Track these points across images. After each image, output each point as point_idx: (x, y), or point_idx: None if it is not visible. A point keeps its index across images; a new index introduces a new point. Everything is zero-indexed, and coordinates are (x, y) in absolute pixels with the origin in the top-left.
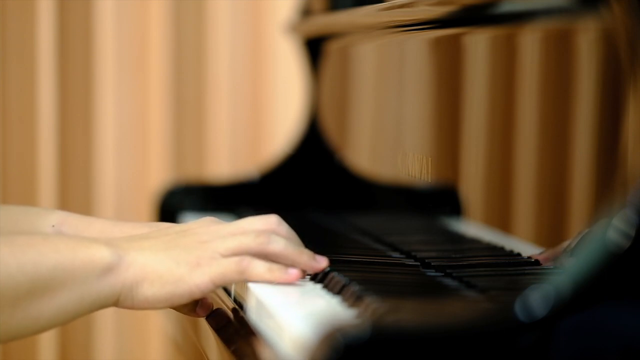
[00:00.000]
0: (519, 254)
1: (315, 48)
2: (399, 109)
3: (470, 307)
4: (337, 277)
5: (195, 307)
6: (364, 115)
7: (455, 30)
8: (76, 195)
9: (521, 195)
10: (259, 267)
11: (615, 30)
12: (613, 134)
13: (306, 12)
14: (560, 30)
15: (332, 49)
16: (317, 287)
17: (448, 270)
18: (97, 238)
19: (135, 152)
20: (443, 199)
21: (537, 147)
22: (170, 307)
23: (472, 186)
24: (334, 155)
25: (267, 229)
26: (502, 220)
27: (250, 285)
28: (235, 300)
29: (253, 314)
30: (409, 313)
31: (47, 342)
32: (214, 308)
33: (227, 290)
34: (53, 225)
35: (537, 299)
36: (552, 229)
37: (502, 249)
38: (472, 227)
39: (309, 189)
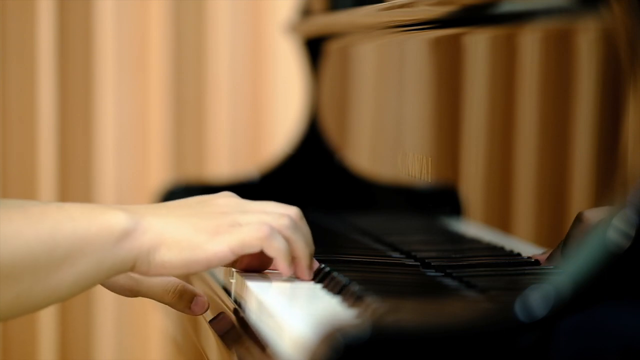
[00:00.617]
0: (519, 254)
1: (315, 48)
2: (399, 109)
3: (470, 307)
4: (337, 277)
5: (190, 303)
6: (364, 115)
7: (455, 30)
8: (76, 195)
9: (521, 195)
10: (280, 242)
11: (615, 30)
12: (613, 134)
13: (306, 12)
14: (560, 30)
15: (332, 49)
16: (317, 287)
17: (448, 270)
18: (113, 205)
19: (135, 152)
20: (443, 199)
21: (537, 147)
22: (184, 275)
23: (472, 186)
24: (334, 155)
25: (288, 215)
26: (502, 220)
27: (250, 285)
28: (235, 301)
29: (253, 314)
30: (409, 313)
31: (47, 342)
32: (218, 313)
33: (227, 290)
34: None
35: (537, 299)
36: (552, 229)
37: (502, 249)
38: (472, 227)
39: (309, 189)
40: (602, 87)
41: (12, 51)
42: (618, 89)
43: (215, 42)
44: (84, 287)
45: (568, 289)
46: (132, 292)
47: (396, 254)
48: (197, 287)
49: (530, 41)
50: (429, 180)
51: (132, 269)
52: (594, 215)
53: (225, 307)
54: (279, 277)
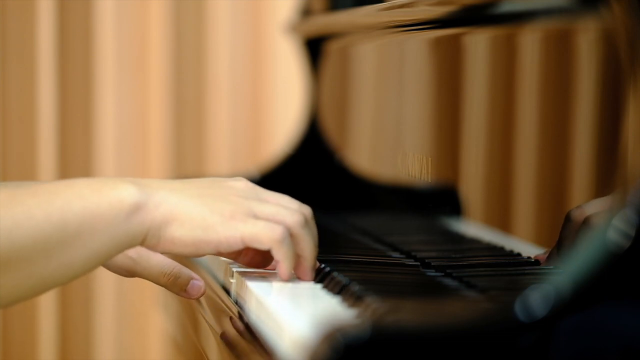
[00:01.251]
0: (519, 254)
1: (315, 48)
2: (399, 109)
3: (470, 307)
4: (337, 277)
5: (186, 287)
6: (364, 115)
7: (455, 30)
8: None
9: (521, 195)
10: (289, 248)
11: (615, 30)
12: (613, 134)
13: (306, 12)
14: (560, 30)
15: (332, 49)
16: (317, 287)
17: (448, 270)
18: (124, 178)
19: (135, 152)
20: (443, 199)
21: (537, 147)
22: (192, 256)
23: (472, 186)
24: (334, 155)
25: (302, 212)
26: (502, 220)
27: (250, 285)
28: (235, 301)
29: (253, 314)
30: (409, 313)
31: (47, 342)
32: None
33: (227, 290)
34: None
35: (537, 299)
36: (552, 229)
37: (502, 249)
38: (472, 227)
39: (309, 189)
40: (602, 87)
41: (12, 51)
42: (618, 89)
43: (215, 42)
44: (97, 263)
45: (568, 289)
46: (129, 272)
47: (396, 254)
48: None
49: (530, 41)
50: (429, 180)
51: (143, 242)
52: (583, 211)
53: (225, 307)
54: (279, 277)
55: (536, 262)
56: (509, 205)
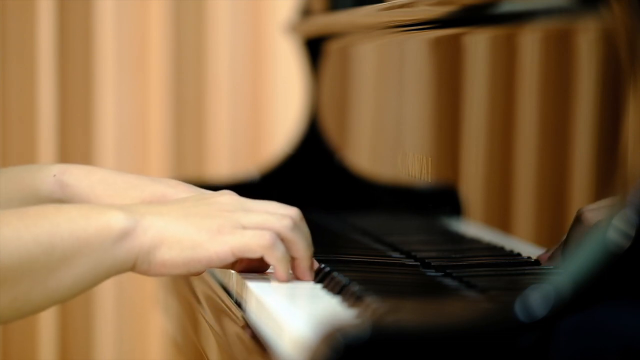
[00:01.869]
0: (519, 254)
1: (315, 48)
2: (399, 109)
3: (470, 307)
4: (337, 277)
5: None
6: (364, 115)
7: (455, 30)
8: None
9: (521, 195)
10: (281, 251)
11: (615, 30)
12: (613, 134)
13: (306, 12)
14: (560, 30)
15: (332, 49)
16: (317, 287)
17: (448, 270)
18: (112, 204)
19: (135, 152)
20: (443, 199)
21: (537, 147)
22: (186, 274)
23: (472, 186)
24: (334, 155)
25: (290, 216)
26: (502, 220)
27: (250, 285)
28: (235, 301)
29: (253, 314)
30: (409, 313)
31: (47, 342)
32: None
33: (227, 290)
34: (54, 175)
35: (537, 299)
36: (552, 229)
37: (502, 249)
38: (472, 227)
39: (309, 189)
40: (602, 87)
41: (12, 51)
42: (618, 89)
43: (215, 42)
44: (84, 288)
45: (568, 289)
46: None
47: (396, 254)
48: (197, 287)
49: (530, 41)
50: (429, 180)
51: (133, 268)
52: (594, 212)
53: (225, 307)
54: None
55: (536, 262)
56: (509, 205)
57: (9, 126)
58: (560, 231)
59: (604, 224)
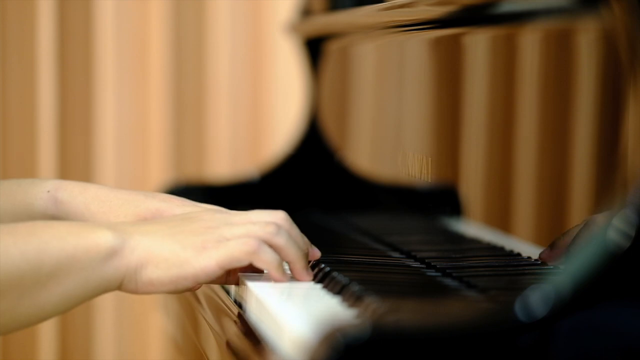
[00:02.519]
0: (519, 254)
1: (315, 48)
2: (399, 109)
3: (470, 307)
4: (337, 277)
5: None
6: (364, 115)
7: (455, 30)
8: None
9: (521, 195)
10: (269, 254)
11: (615, 30)
12: (613, 134)
13: (306, 12)
14: (560, 30)
15: (332, 49)
16: (317, 287)
17: (448, 270)
18: (101, 222)
19: (135, 152)
20: (443, 199)
21: (537, 147)
22: (174, 292)
23: (472, 186)
24: (334, 155)
25: (274, 222)
26: (502, 220)
27: (250, 285)
28: (235, 301)
29: (253, 314)
30: (409, 313)
31: (47, 342)
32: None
33: (227, 290)
34: (48, 191)
35: (537, 299)
36: (552, 229)
37: (502, 249)
38: (472, 227)
39: (309, 189)
40: (602, 87)
41: (12, 51)
42: (618, 89)
43: (215, 42)
44: (71, 306)
45: (568, 289)
46: None
47: (396, 254)
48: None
49: (530, 41)
50: (429, 180)
51: (120, 287)
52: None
53: (225, 307)
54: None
55: (536, 262)
56: (509, 205)
57: (9, 126)
58: (560, 231)
59: (604, 224)
